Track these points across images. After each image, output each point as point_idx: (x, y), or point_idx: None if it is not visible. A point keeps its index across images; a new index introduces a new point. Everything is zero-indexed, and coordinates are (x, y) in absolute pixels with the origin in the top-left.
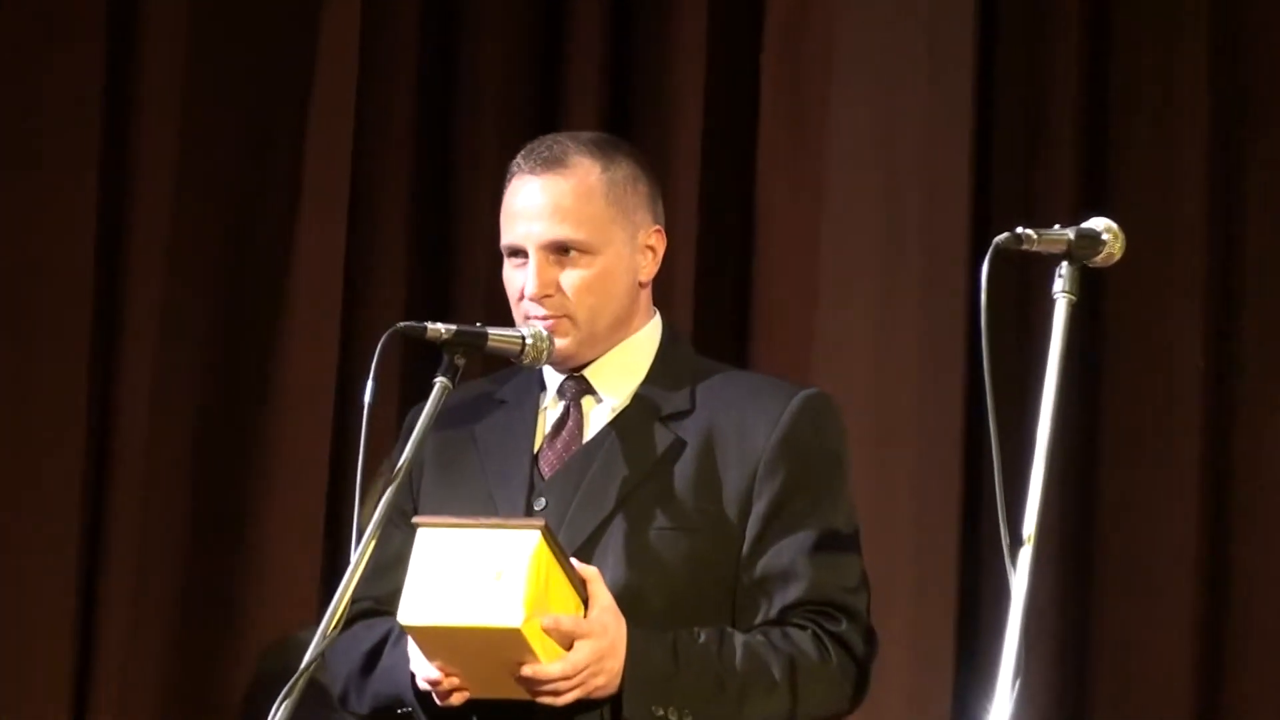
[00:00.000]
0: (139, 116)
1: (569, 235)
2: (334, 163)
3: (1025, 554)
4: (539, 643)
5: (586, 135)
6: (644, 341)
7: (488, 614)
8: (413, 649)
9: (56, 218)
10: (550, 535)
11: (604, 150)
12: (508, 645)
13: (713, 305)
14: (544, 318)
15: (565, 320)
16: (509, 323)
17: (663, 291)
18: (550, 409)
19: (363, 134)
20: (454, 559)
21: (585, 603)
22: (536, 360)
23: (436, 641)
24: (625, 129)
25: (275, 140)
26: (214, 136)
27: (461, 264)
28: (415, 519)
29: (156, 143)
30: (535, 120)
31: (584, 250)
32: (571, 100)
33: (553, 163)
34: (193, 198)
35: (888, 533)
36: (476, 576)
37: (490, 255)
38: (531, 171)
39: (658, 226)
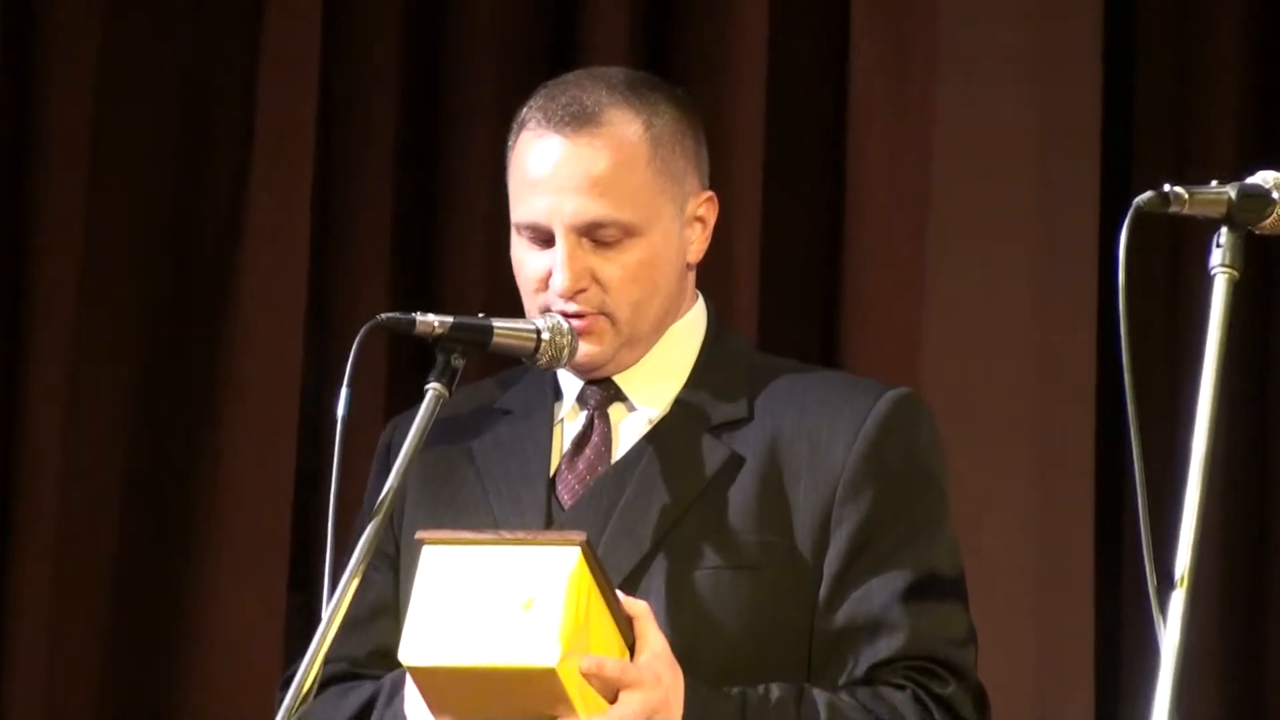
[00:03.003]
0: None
1: (609, 214)
2: (296, 114)
3: (1177, 599)
4: (576, 689)
5: (617, 75)
6: (685, 334)
7: (514, 652)
8: (413, 701)
9: None
10: (591, 553)
11: (643, 98)
12: (538, 691)
13: (784, 291)
14: (575, 315)
15: (602, 319)
16: (514, 312)
17: (717, 274)
18: (569, 421)
19: (330, 80)
20: (470, 583)
21: (631, 646)
22: (555, 361)
23: (447, 687)
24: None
25: (222, 86)
26: (143, 83)
27: (453, 235)
28: (419, 534)
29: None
30: (545, 58)
31: (628, 232)
32: (593, 36)
33: (583, 119)
34: (110, 159)
35: (1003, 572)
36: (499, 605)
37: (488, 224)
38: (555, 129)
39: (709, 193)
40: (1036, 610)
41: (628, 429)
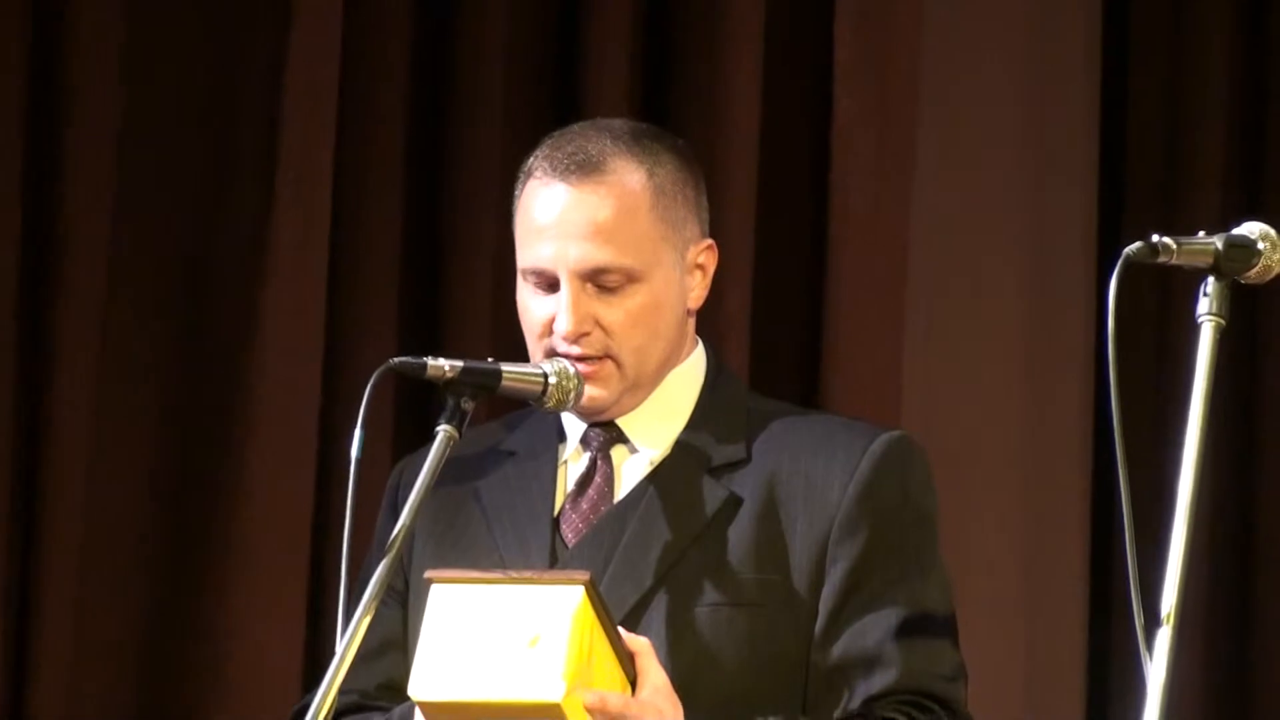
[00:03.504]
0: (73, 98)
1: (612, 260)
2: (314, 159)
3: (1164, 636)
4: None
5: (622, 127)
6: (686, 378)
7: (520, 686)
8: None
9: None
10: (595, 592)
11: (645, 146)
12: None
13: (773, 335)
14: (579, 358)
15: (607, 363)
16: (519, 355)
17: (709, 320)
18: (573, 461)
19: (346, 125)
20: (477, 621)
21: (633, 681)
22: (561, 404)
23: None
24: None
25: (243, 134)
26: (168, 130)
27: (459, 280)
28: (428, 573)
29: (94, 136)
30: (549, 107)
31: (630, 277)
32: (594, 88)
33: (588, 167)
34: (139, 197)
35: (994, 610)
36: (506, 641)
37: (495, 269)
38: (561, 177)
39: (709, 241)
40: (1029, 643)
41: (630, 470)
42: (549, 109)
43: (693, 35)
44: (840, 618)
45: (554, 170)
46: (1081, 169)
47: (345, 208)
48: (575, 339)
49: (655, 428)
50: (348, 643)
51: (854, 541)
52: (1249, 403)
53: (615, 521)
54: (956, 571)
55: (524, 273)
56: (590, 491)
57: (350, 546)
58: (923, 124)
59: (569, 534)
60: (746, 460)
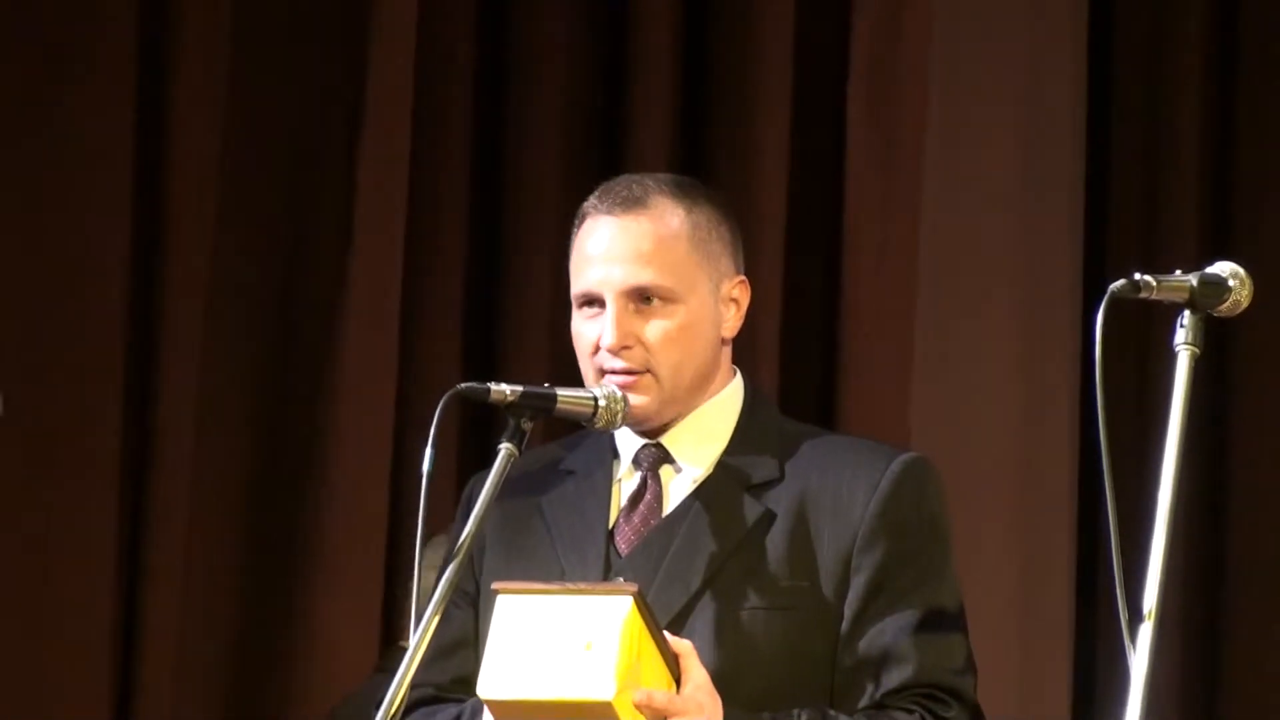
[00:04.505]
0: (175, 175)
1: (652, 281)
2: (387, 211)
3: (1146, 631)
4: (630, 719)
5: (664, 176)
6: (726, 404)
7: (576, 686)
8: None
9: (88, 261)
10: (643, 602)
11: (685, 191)
12: None
13: (797, 366)
14: (622, 371)
15: (646, 375)
16: (576, 381)
17: (744, 351)
18: (625, 480)
19: (417, 177)
20: (538, 628)
21: (678, 679)
22: (610, 424)
23: (519, 717)
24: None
25: (323, 188)
26: (253, 183)
27: (520, 311)
28: (494, 585)
29: (195, 186)
30: (598, 162)
31: (668, 299)
32: (639, 145)
33: (632, 203)
34: (234, 237)
35: (990, 611)
36: (563, 646)
37: (550, 301)
38: (609, 212)
39: (742, 278)
40: (1022, 644)
41: (676, 487)
42: (598, 162)
43: (727, 98)
44: (862, 620)
45: (603, 208)
46: (1068, 217)
47: (416, 248)
48: (618, 351)
49: (699, 449)
50: (419, 639)
51: (875, 552)
52: (1221, 423)
53: (663, 534)
54: (962, 578)
55: (576, 299)
56: (641, 507)
57: (421, 553)
58: (928, 175)
59: (622, 545)
60: (780, 478)
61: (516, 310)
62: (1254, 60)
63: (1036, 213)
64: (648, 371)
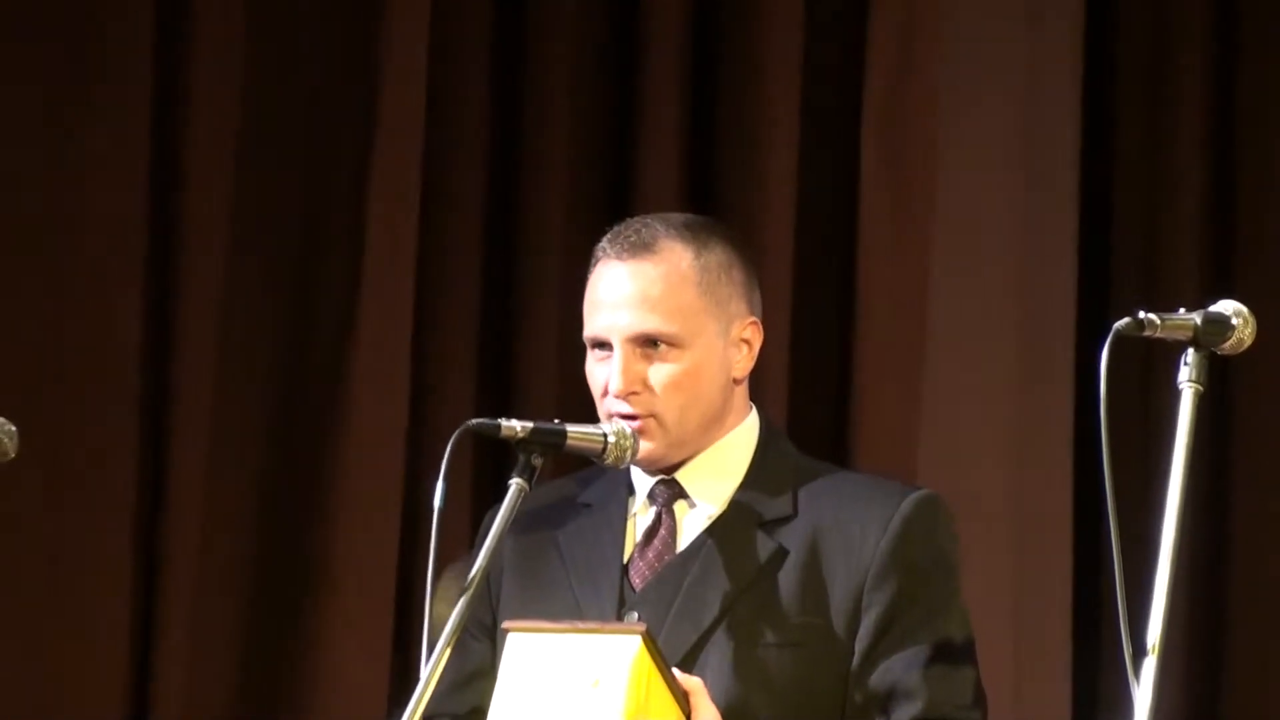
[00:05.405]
0: (187, 196)
1: (658, 328)
2: (398, 243)
3: (1149, 666)
4: None
5: (678, 217)
6: (740, 441)
7: None
8: None
9: (103, 284)
10: (651, 641)
11: (696, 234)
12: None
13: (807, 404)
14: (629, 416)
15: (652, 420)
16: (585, 417)
17: (754, 389)
18: (640, 515)
19: (428, 216)
20: (548, 666)
21: (688, 717)
22: (619, 461)
23: None
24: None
25: (334, 220)
26: (267, 213)
27: (531, 347)
28: (505, 624)
29: (209, 214)
30: (607, 201)
31: (673, 344)
32: (647, 183)
33: (640, 248)
34: (245, 269)
35: (992, 645)
36: (572, 684)
37: (561, 336)
38: (618, 257)
39: (754, 319)
40: (1019, 677)
41: (690, 523)
42: (608, 203)
43: (735, 138)
44: (873, 656)
45: (614, 252)
46: (1068, 260)
47: (427, 285)
48: (625, 396)
49: (713, 486)
50: (430, 672)
51: (885, 589)
52: (1223, 459)
53: (677, 570)
54: None
55: (587, 341)
56: (655, 542)
57: (433, 587)
58: (936, 217)
59: (636, 579)
60: (793, 515)
61: (528, 346)
62: (1256, 104)
63: (1036, 259)
64: (652, 416)
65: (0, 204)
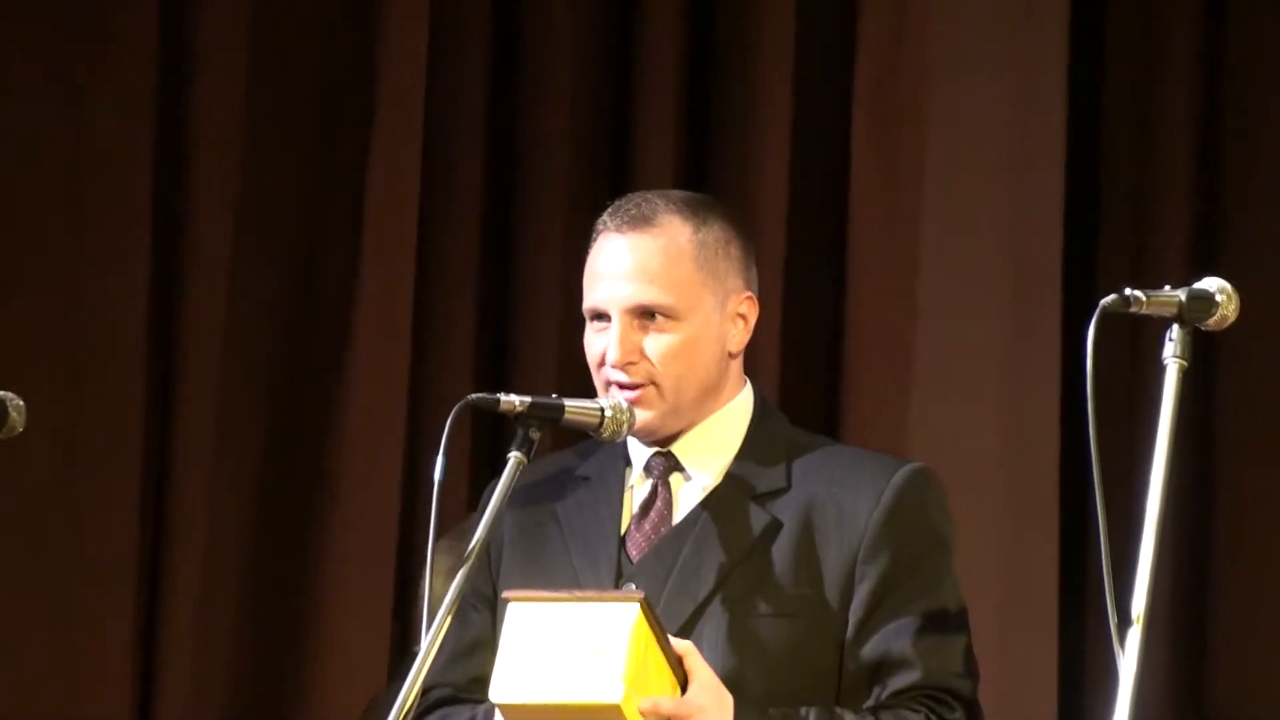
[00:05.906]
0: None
1: (655, 299)
2: (398, 225)
3: (1134, 635)
4: None
5: (678, 194)
6: (735, 414)
7: (585, 690)
8: None
9: (109, 272)
10: (649, 609)
11: (695, 210)
12: None
13: (799, 381)
14: (626, 385)
15: (650, 389)
16: (583, 391)
17: (746, 365)
18: (637, 487)
19: (427, 198)
20: (548, 634)
21: (684, 683)
22: (616, 434)
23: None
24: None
25: (336, 199)
26: (270, 197)
27: (529, 325)
28: (505, 594)
29: (215, 219)
30: (604, 183)
31: (670, 315)
32: (642, 168)
33: (640, 221)
34: (245, 260)
35: (980, 616)
36: (572, 652)
37: (559, 315)
38: (618, 230)
39: (750, 294)
40: (1008, 644)
41: (686, 496)
42: (604, 188)
43: (729, 120)
44: (867, 626)
45: (614, 226)
46: (1055, 238)
47: (427, 261)
48: (622, 366)
49: (708, 459)
50: (429, 643)
51: (878, 561)
52: (1207, 433)
53: (673, 542)
54: None
55: (586, 313)
56: (652, 514)
57: (432, 559)
58: (926, 199)
59: (633, 551)
60: (787, 488)
61: (526, 321)
62: (1242, 84)
63: (1023, 239)
64: (650, 385)
65: (6, 190)
